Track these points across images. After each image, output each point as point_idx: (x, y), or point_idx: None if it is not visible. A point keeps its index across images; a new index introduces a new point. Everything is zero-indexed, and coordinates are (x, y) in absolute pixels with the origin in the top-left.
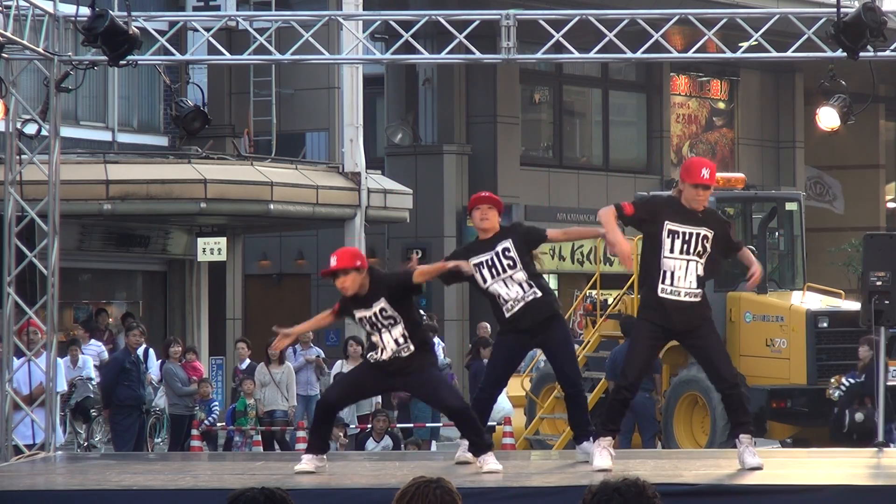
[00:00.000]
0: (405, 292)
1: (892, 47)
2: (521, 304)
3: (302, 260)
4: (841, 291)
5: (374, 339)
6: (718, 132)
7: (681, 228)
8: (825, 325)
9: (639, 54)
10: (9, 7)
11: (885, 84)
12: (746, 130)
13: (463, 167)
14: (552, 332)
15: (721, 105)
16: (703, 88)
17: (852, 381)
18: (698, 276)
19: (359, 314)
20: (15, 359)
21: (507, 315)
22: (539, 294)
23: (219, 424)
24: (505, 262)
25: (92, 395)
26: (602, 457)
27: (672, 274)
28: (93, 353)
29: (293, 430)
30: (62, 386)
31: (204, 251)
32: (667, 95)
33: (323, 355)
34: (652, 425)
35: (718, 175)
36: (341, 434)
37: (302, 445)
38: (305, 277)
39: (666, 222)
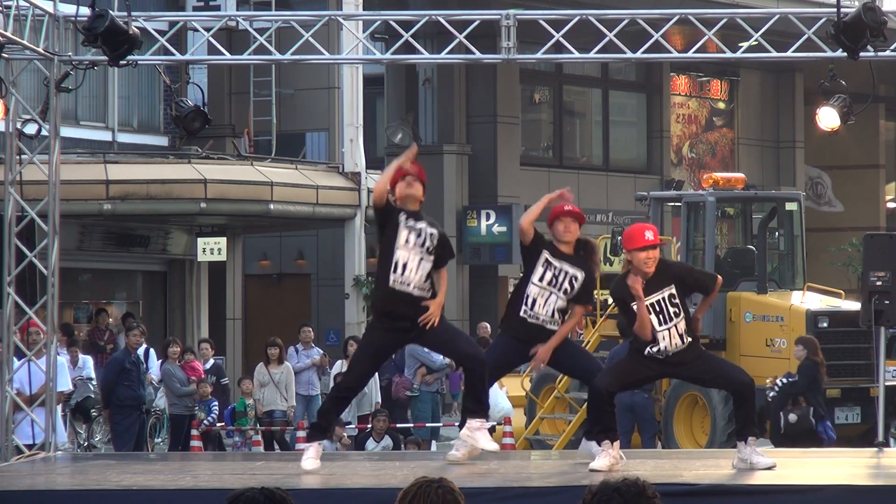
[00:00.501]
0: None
1: (892, 47)
2: (538, 320)
3: (302, 260)
4: (841, 291)
5: (402, 260)
6: (718, 132)
7: None
8: (825, 325)
9: (639, 54)
10: (9, 7)
11: (885, 84)
12: (746, 130)
13: (463, 167)
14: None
15: (721, 105)
16: (703, 88)
17: (786, 381)
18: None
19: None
20: (16, 359)
21: (524, 317)
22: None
23: (219, 424)
24: (566, 284)
25: (92, 395)
26: (601, 458)
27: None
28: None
29: (293, 430)
30: (67, 385)
31: (204, 251)
32: (667, 95)
33: (326, 356)
34: (652, 425)
35: (718, 175)
36: (344, 434)
37: (302, 445)
38: (305, 277)
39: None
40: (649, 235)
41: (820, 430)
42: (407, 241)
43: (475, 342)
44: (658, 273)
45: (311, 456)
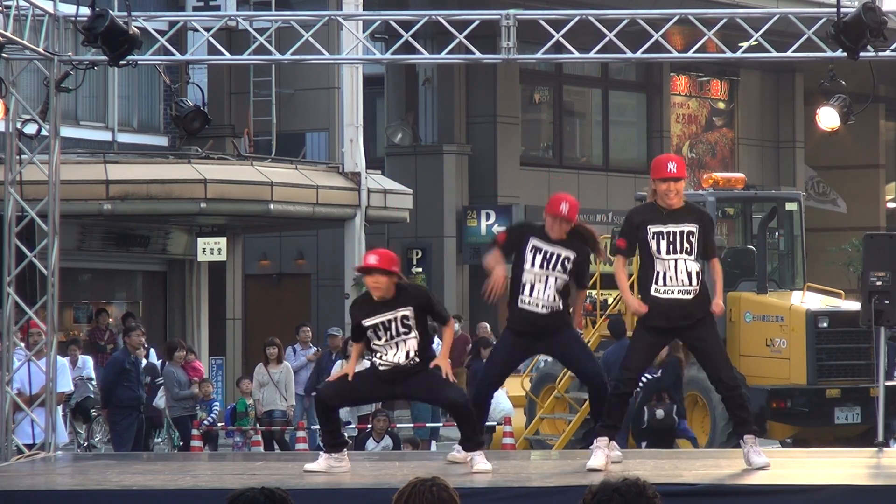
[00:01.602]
0: (428, 312)
1: (892, 47)
2: (538, 307)
3: (302, 260)
4: (841, 291)
5: (381, 350)
6: (718, 132)
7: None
8: (825, 325)
9: (639, 54)
10: (9, 7)
11: (885, 84)
12: (746, 130)
13: (463, 167)
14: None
15: (721, 105)
16: (703, 88)
17: (649, 377)
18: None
19: (376, 319)
20: (16, 360)
21: (522, 307)
22: None
23: (219, 424)
24: (559, 265)
25: (92, 395)
26: (595, 456)
27: (664, 274)
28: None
29: (292, 430)
30: (69, 386)
31: (204, 251)
32: (667, 95)
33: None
34: None
35: (718, 175)
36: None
37: (302, 445)
38: (305, 277)
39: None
40: (672, 167)
41: (682, 429)
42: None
43: (461, 389)
44: (684, 210)
45: (483, 460)
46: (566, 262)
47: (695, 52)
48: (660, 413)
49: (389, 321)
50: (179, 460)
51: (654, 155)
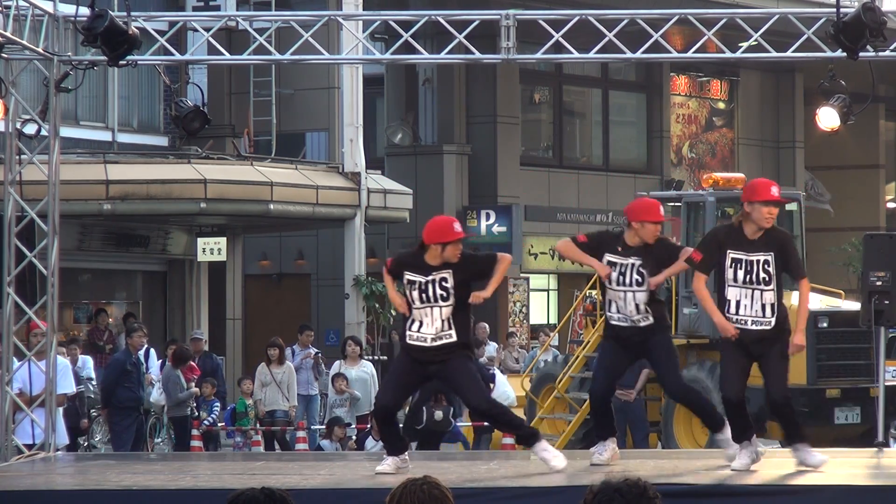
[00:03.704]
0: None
1: (892, 47)
2: (627, 322)
3: (302, 260)
4: (841, 291)
5: (417, 314)
6: (718, 132)
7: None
8: (825, 325)
9: (639, 54)
10: (9, 7)
11: (885, 84)
12: (746, 130)
13: (463, 167)
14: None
15: (721, 105)
16: (703, 88)
17: None
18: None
19: (414, 277)
20: (16, 360)
21: (613, 323)
22: None
23: (219, 424)
24: (636, 275)
25: (92, 396)
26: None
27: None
28: None
29: (293, 431)
30: (71, 387)
31: (204, 251)
32: (667, 95)
33: (321, 353)
34: (643, 425)
35: (718, 175)
36: (342, 433)
37: (302, 445)
38: (305, 277)
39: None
40: (775, 191)
41: (455, 431)
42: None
43: (486, 393)
44: (767, 235)
45: (554, 455)
46: (642, 272)
47: (695, 52)
48: (438, 414)
49: (428, 283)
50: (179, 460)
51: (655, 155)
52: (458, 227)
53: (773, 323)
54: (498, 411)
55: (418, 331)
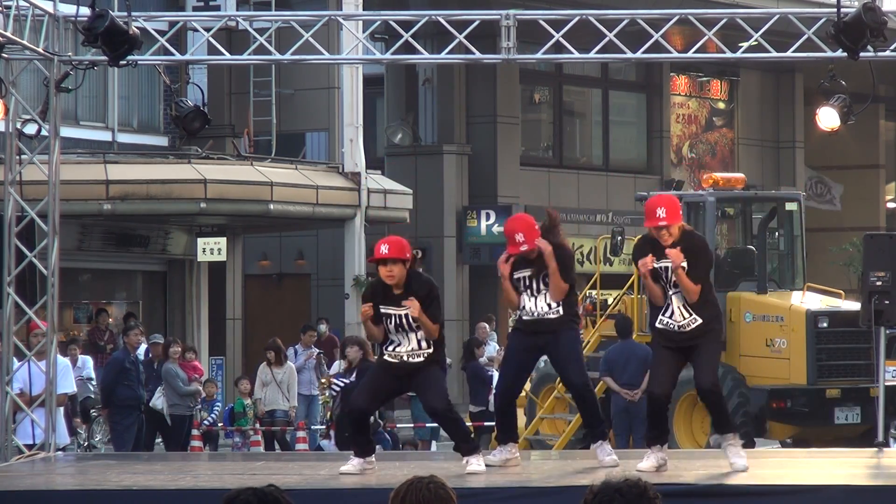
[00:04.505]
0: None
1: (892, 47)
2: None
3: (302, 260)
4: (841, 291)
5: (394, 337)
6: (718, 132)
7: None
8: (825, 325)
9: (639, 54)
10: (9, 7)
11: (885, 84)
12: (746, 130)
13: (463, 167)
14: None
15: (721, 105)
16: (703, 88)
17: (345, 381)
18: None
19: (389, 310)
20: (16, 360)
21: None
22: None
23: (219, 424)
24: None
25: (92, 395)
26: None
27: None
28: None
29: (293, 431)
30: (72, 388)
31: (204, 251)
32: (667, 95)
33: (322, 353)
34: (644, 426)
35: (718, 175)
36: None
37: (302, 446)
38: (305, 277)
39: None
40: (660, 213)
41: (380, 434)
42: None
43: (445, 396)
44: (678, 242)
45: (483, 469)
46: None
47: (695, 52)
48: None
49: (399, 316)
50: (179, 460)
51: (655, 155)
52: (384, 248)
53: (697, 321)
54: (452, 416)
55: (394, 350)
